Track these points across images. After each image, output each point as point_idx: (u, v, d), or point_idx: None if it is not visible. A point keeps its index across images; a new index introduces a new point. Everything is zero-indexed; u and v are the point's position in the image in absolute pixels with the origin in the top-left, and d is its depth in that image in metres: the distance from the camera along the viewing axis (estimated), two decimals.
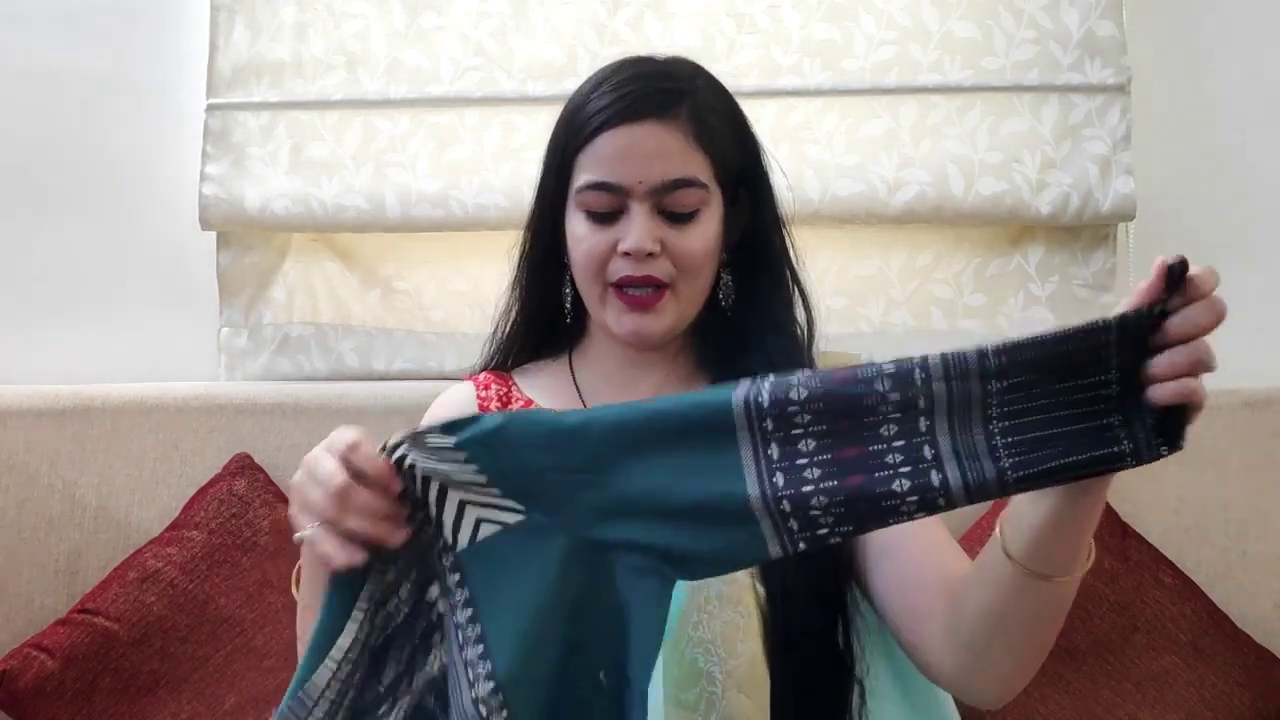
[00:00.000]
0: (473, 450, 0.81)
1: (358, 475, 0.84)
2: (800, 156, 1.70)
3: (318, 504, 0.85)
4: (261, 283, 1.81)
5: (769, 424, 0.76)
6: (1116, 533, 1.54)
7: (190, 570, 1.50)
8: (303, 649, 0.89)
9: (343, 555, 0.84)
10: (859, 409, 0.76)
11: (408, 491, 0.84)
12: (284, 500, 1.57)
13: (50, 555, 1.60)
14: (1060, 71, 1.70)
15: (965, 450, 0.76)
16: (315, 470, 0.87)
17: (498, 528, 0.82)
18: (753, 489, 0.77)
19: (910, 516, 0.77)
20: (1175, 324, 0.76)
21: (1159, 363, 0.76)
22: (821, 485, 0.76)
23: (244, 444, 1.61)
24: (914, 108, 1.71)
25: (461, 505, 0.83)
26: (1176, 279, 0.76)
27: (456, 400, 1.21)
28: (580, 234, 1.10)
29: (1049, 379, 0.75)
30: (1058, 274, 1.75)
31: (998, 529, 0.88)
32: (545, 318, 1.21)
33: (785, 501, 0.76)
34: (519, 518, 0.82)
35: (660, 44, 1.70)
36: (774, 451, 0.76)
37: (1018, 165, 1.69)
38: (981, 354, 0.75)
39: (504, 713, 0.80)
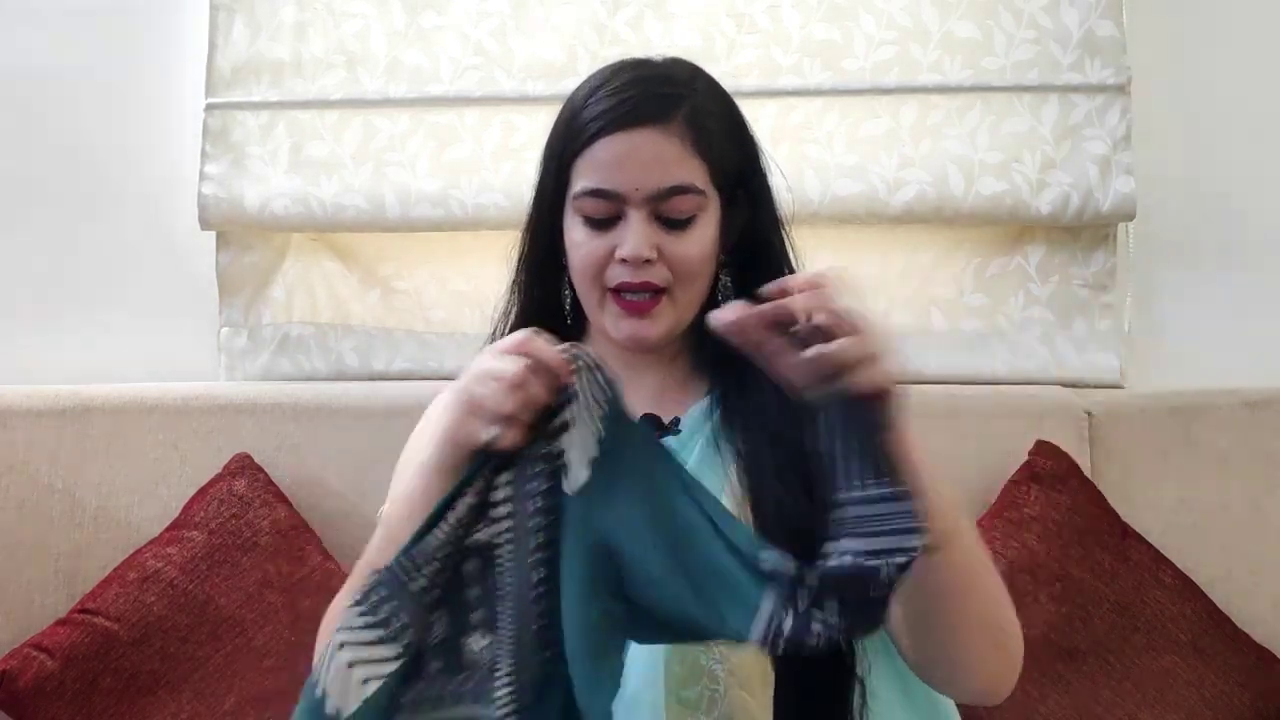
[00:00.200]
0: (609, 409, 0.87)
1: (534, 364, 0.88)
2: (800, 156, 1.70)
3: (491, 399, 0.88)
4: (261, 282, 1.81)
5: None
6: (1116, 533, 1.54)
7: (190, 570, 1.50)
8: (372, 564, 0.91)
9: (510, 436, 0.88)
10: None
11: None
12: (284, 500, 1.57)
13: (50, 555, 1.60)
14: (1060, 71, 1.70)
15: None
16: (489, 368, 0.90)
17: (582, 481, 0.87)
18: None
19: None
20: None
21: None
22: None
23: (244, 444, 1.61)
24: (914, 108, 1.71)
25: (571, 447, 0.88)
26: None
27: None
28: (577, 239, 1.11)
29: None
30: (1058, 274, 1.75)
31: None
32: (544, 319, 1.21)
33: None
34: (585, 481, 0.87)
35: (660, 44, 1.70)
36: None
37: (1018, 165, 1.69)
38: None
39: (546, 653, 0.84)
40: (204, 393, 1.67)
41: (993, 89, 1.71)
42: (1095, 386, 1.72)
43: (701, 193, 1.09)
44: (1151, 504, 1.59)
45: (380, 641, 0.83)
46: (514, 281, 1.21)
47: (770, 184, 1.17)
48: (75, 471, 1.62)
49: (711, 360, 1.15)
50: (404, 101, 1.75)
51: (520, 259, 1.20)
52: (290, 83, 1.76)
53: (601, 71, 1.13)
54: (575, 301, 1.16)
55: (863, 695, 1.07)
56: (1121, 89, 1.69)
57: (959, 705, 1.14)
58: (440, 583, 0.86)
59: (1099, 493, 1.56)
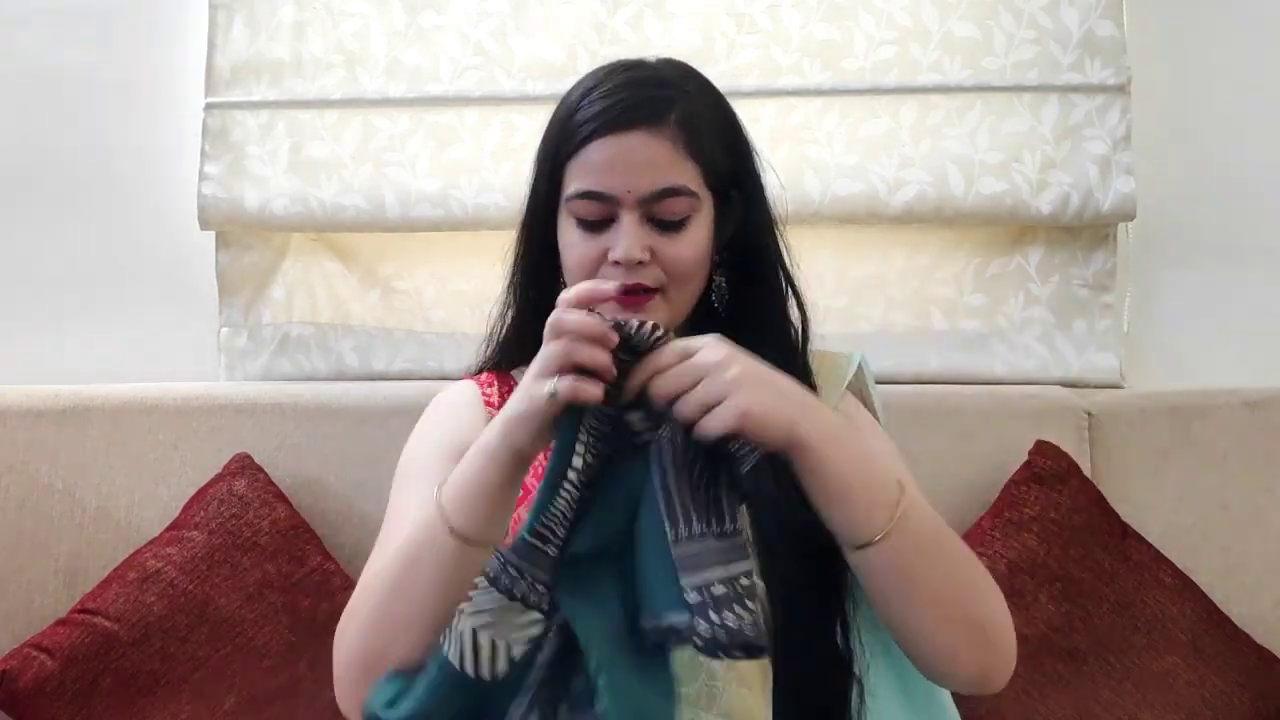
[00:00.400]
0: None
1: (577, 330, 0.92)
2: (800, 156, 1.70)
3: (559, 350, 0.92)
4: (261, 282, 1.81)
5: None
6: (1116, 533, 1.54)
7: (190, 570, 1.50)
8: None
9: (591, 389, 0.91)
10: None
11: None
12: (284, 500, 1.57)
13: (50, 555, 1.60)
14: (1060, 71, 1.70)
15: None
16: (560, 324, 0.93)
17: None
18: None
19: None
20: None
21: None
22: None
23: (244, 444, 1.61)
24: (914, 108, 1.71)
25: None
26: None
27: (459, 399, 1.21)
28: (571, 241, 1.11)
29: None
30: (1058, 274, 1.75)
31: None
32: (541, 319, 1.21)
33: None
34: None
35: (660, 44, 1.70)
36: None
37: (1018, 165, 1.69)
38: None
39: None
40: (204, 393, 1.67)
41: (993, 89, 1.71)
42: (1095, 386, 1.72)
43: (694, 194, 1.09)
44: (1151, 504, 1.59)
45: (522, 612, 0.89)
46: (510, 282, 1.21)
47: (764, 184, 1.17)
48: (75, 471, 1.62)
49: None
50: (404, 101, 1.75)
51: (515, 260, 1.21)
52: (290, 82, 1.76)
53: (595, 73, 1.14)
54: None
55: (860, 694, 1.08)
56: (1121, 89, 1.69)
57: (964, 699, 1.14)
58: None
59: (1099, 493, 1.56)
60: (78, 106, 1.83)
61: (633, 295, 1.09)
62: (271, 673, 1.48)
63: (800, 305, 1.18)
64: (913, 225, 1.72)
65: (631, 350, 0.93)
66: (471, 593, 0.89)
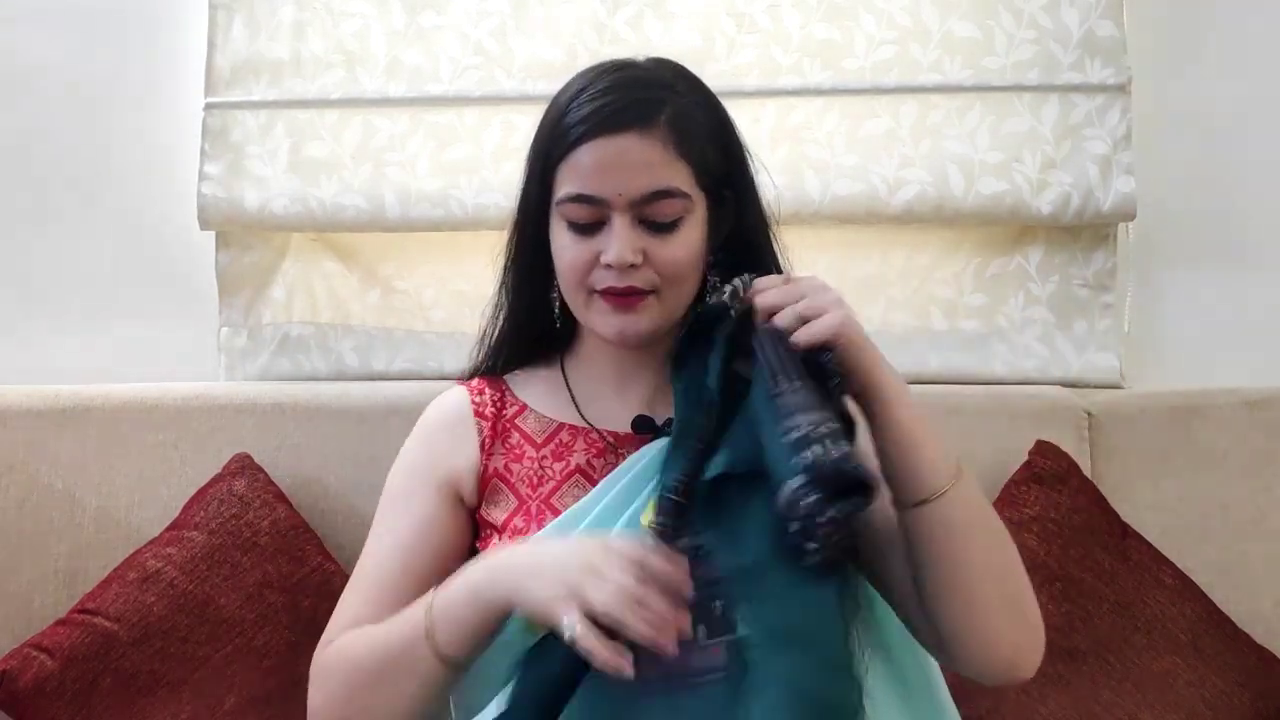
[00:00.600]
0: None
1: (652, 579, 0.93)
2: (800, 156, 1.70)
3: (602, 598, 0.92)
4: (261, 282, 1.81)
5: None
6: (1116, 533, 1.54)
7: (190, 570, 1.50)
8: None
9: (614, 661, 0.90)
10: None
11: None
12: (284, 500, 1.57)
13: (50, 555, 1.60)
14: (1060, 71, 1.70)
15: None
16: (604, 568, 0.94)
17: None
18: None
19: None
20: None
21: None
22: None
23: (244, 444, 1.61)
24: (914, 107, 1.71)
25: None
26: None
27: (446, 416, 1.22)
28: (563, 244, 1.11)
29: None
30: (1058, 274, 1.75)
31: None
32: (534, 322, 1.21)
33: None
34: None
35: (660, 44, 1.70)
36: None
37: (1018, 165, 1.69)
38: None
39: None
40: (204, 393, 1.67)
41: (993, 89, 1.70)
42: (1095, 386, 1.72)
43: (686, 196, 1.09)
44: (1151, 504, 1.59)
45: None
46: (501, 285, 1.22)
47: (757, 182, 1.17)
48: (75, 471, 1.62)
49: None
50: (403, 101, 1.75)
51: (507, 263, 1.21)
52: (289, 82, 1.76)
53: (584, 74, 1.14)
54: (564, 303, 1.16)
55: (859, 696, 1.08)
56: (1122, 89, 1.69)
57: (964, 699, 1.14)
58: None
59: (1099, 493, 1.56)
60: (78, 106, 1.83)
61: (625, 297, 1.09)
62: (271, 673, 1.48)
63: None
64: (913, 225, 1.72)
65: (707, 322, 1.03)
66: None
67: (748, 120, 1.68)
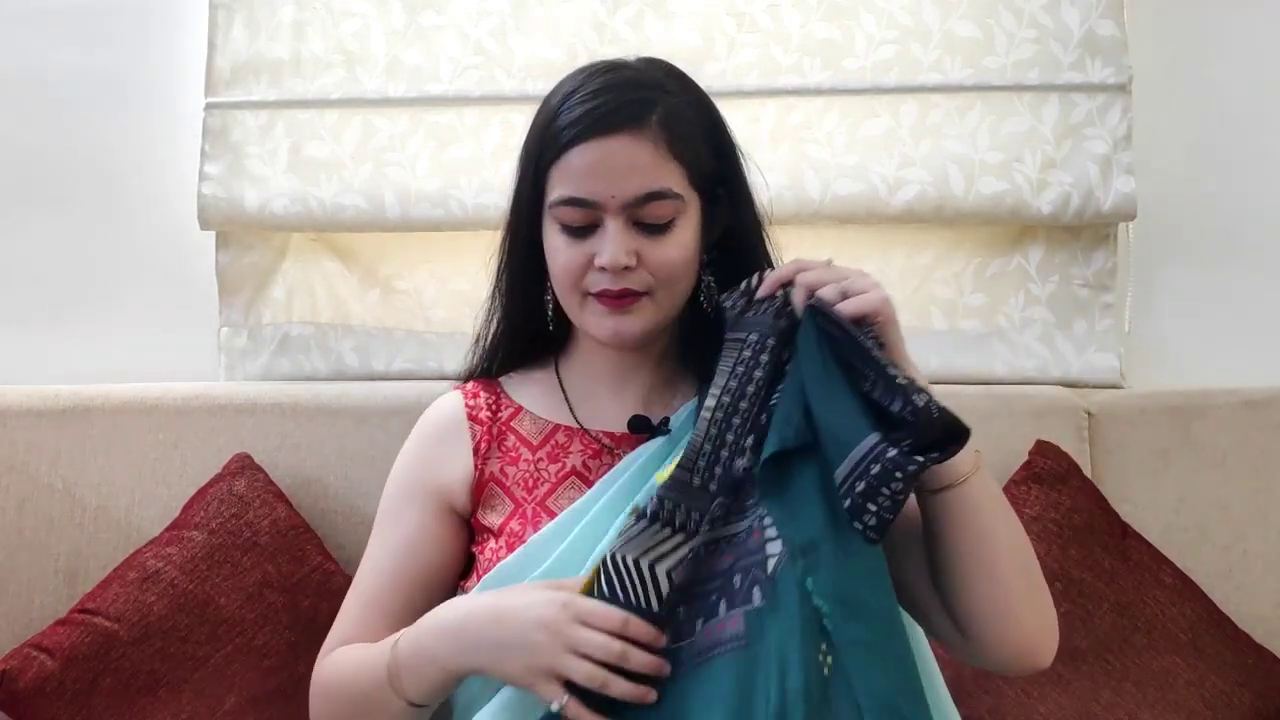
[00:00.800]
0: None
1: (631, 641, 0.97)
2: (800, 156, 1.70)
3: (582, 675, 0.96)
4: (261, 282, 1.81)
5: None
6: (1116, 533, 1.54)
7: (190, 570, 1.50)
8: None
9: (632, 692, 0.96)
10: None
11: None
12: (284, 500, 1.57)
13: (50, 555, 1.60)
14: (1061, 71, 1.69)
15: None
16: (574, 640, 0.97)
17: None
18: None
19: None
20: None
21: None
22: None
23: (244, 444, 1.61)
24: (914, 107, 1.71)
25: None
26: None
27: (444, 414, 1.22)
28: (556, 247, 1.11)
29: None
30: (1058, 274, 1.75)
31: None
32: (528, 325, 1.21)
33: None
34: None
35: (660, 43, 1.70)
36: None
37: (1018, 165, 1.69)
38: None
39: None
40: (204, 393, 1.67)
41: (993, 88, 1.70)
42: (1095, 386, 1.71)
43: (679, 197, 1.09)
44: (1151, 504, 1.59)
45: (683, 542, 0.99)
46: (495, 288, 1.22)
47: (749, 182, 1.17)
48: (75, 471, 1.62)
49: (698, 358, 1.16)
50: (403, 101, 1.75)
51: (500, 265, 1.21)
52: (289, 82, 1.76)
53: (574, 76, 1.14)
54: (557, 305, 1.16)
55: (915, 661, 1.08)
56: (1122, 88, 1.69)
57: (963, 699, 1.14)
58: (716, 462, 1.02)
59: (1099, 493, 1.56)
60: (78, 106, 1.83)
61: (620, 299, 1.09)
62: (271, 673, 1.48)
63: None
64: (913, 225, 1.72)
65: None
66: (624, 529, 1.01)
67: (748, 120, 1.69)
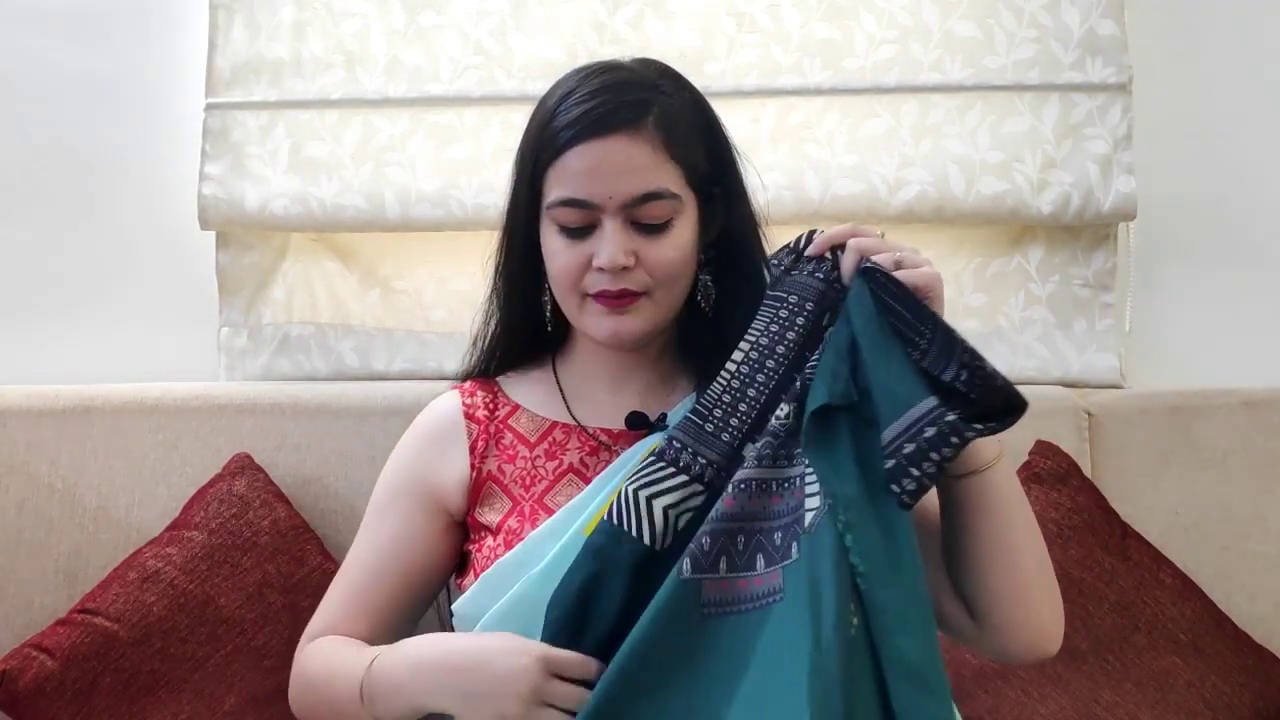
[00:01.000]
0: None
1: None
2: (800, 156, 1.70)
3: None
4: (261, 282, 1.81)
5: None
6: (1116, 533, 1.54)
7: (190, 570, 1.50)
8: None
9: None
10: None
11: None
12: (284, 500, 1.57)
13: (50, 555, 1.60)
14: (1061, 71, 1.69)
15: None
16: (543, 691, 0.98)
17: None
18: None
19: None
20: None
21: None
22: None
23: (244, 444, 1.61)
24: (914, 107, 1.71)
25: None
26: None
27: (441, 413, 1.23)
28: (554, 248, 1.12)
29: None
30: (1058, 274, 1.75)
31: None
32: (526, 325, 1.22)
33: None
34: None
35: (660, 43, 1.70)
36: None
37: (1018, 165, 1.69)
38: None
39: None
40: (204, 393, 1.67)
41: (994, 88, 1.70)
42: (1095, 386, 1.71)
43: (676, 196, 1.09)
44: (1151, 504, 1.59)
45: (685, 483, 1.02)
46: (493, 289, 1.22)
47: (745, 181, 1.17)
48: (75, 471, 1.62)
49: (695, 357, 1.16)
50: (403, 101, 1.75)
51: (498, 267, 1.21)
52: (290, 82, 1.76)
53: (570, 77, 1.14)
54: (555, 307, 1.17)
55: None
56: (1123, 88, 1.69)
57: (963, 699, 1.14)
58: (733, 413, 1.04)
59: (1099, 493, 1.56)
60: (78, 106, 1.83)
61: (618, 299, 1.10)
62: (271, 673, 1.48)
63: None
64: (913, 225, 1.72)
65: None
66: (640, 469, 1.03)
67: (748, 120, 1.69)
